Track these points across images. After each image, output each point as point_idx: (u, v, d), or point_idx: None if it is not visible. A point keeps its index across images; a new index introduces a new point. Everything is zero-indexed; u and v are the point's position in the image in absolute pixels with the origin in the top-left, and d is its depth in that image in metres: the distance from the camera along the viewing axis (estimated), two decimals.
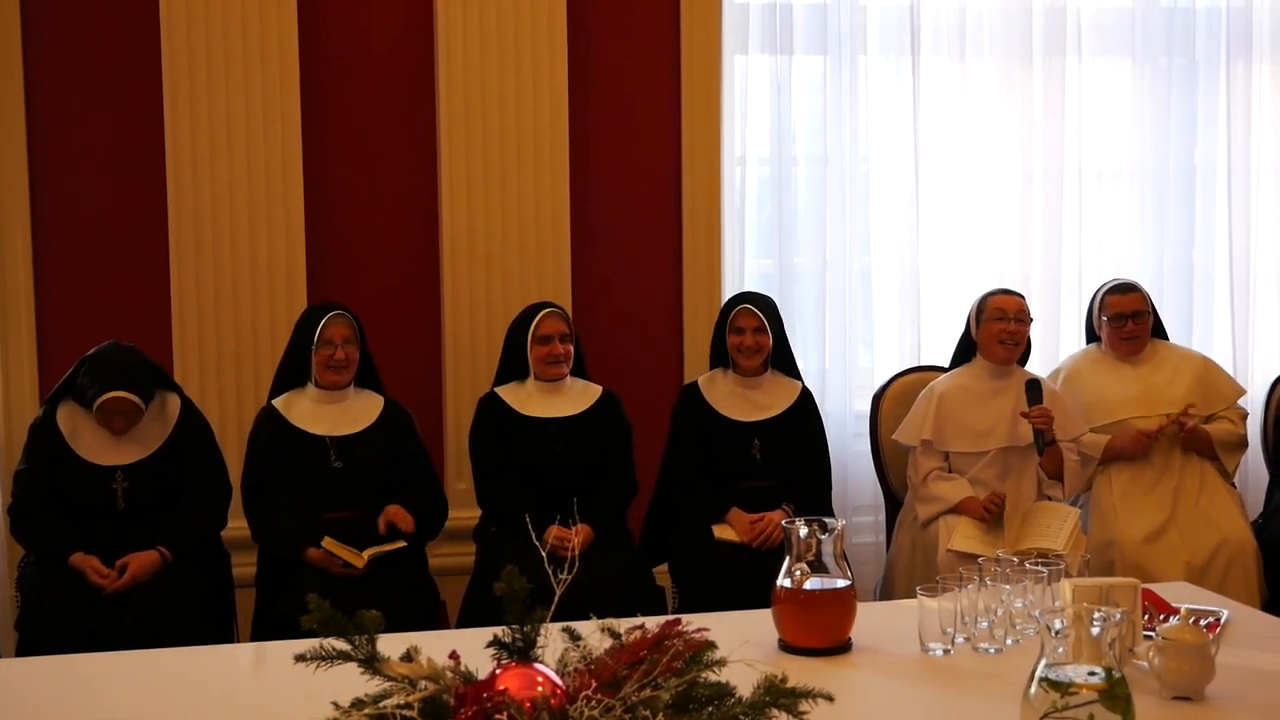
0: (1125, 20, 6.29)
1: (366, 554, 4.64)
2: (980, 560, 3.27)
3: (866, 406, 5.81)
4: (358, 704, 2.05)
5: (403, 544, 4.73)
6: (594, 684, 2.01)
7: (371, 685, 2.07)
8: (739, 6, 5.97)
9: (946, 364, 5.58)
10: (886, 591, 5.39)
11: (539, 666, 2.07)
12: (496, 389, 5.14)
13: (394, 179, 5.78)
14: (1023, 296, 5.40)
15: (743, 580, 4.59)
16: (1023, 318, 5.31)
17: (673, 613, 4.61)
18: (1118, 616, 2.35)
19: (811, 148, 6.10)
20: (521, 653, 2.12)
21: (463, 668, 2.10)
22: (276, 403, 4.92)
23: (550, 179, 5.73)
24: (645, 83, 5.97)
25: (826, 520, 3.15)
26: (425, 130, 5.73)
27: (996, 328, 5.28)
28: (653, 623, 2.17)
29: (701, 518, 5.12)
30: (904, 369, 5.90)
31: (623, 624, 2.21)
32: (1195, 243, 6.42)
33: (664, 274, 6.03)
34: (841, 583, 3.12)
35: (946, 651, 3.09)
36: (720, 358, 5.34)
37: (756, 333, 5.23)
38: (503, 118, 5.67)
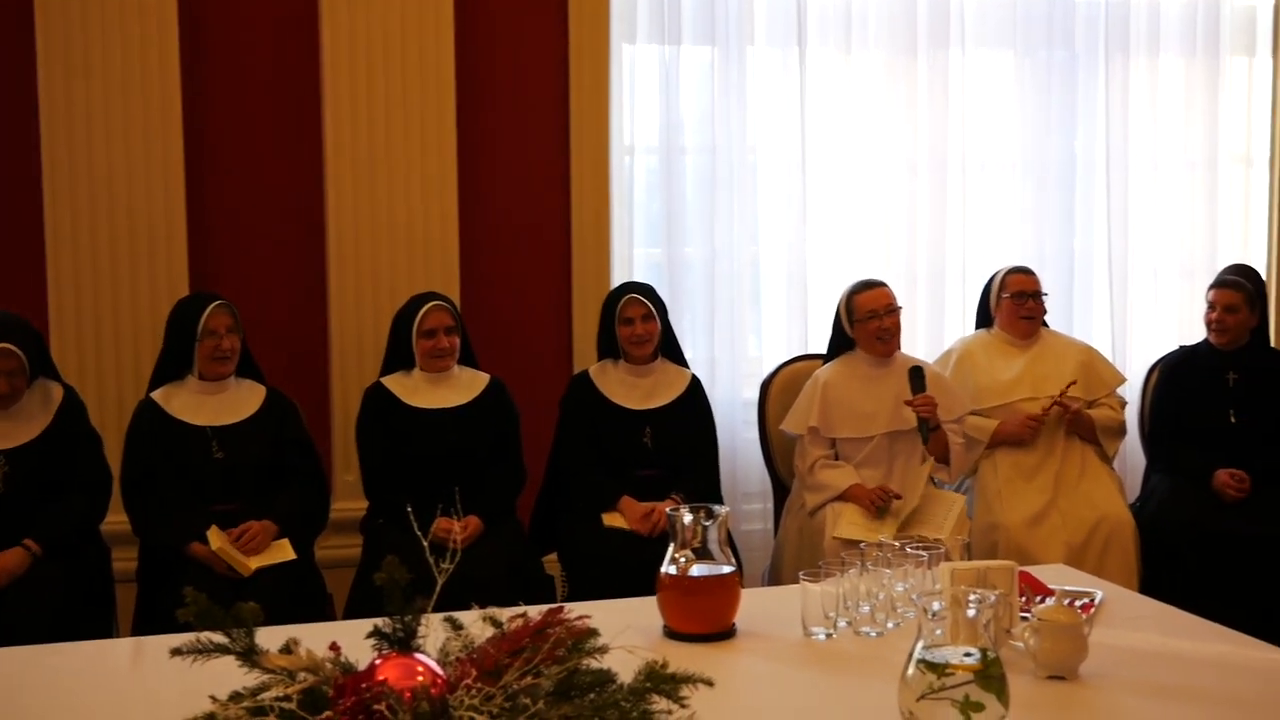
0: (1007, 13, 6.38)
1: (254, 564, 4.61)
2: (862, 545, 3.31)
3: (755, 395, 5.85)
4: (235, 698, 2.03)
5: (292, 557, 4.71)
6: (475, 673, 2.01)
7: (251, 679, 2.05)
8: None
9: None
10: (774, 578, 5.43)
11: (420, 656, 2.06)
12: (382, 379, 5.11)
13: (278, 168, 5.72)
14: (884, 284, 5.46)
15: (632, 568, 4.59)
16: (892, 308, 5.37)
17: (562, 601, 4.62)
18: (992, 599, 2.39)
19: (700, 138, 6.12)
20: (402, 643, 2.12)
21: (343, 659, 2.09)
22: (155, 395, 4.84)
23: (437, 168, 5.71)
24: (533, 72, 5.96)
25: (711, 507, 3.16)
26: (310, 119, 5.68)
27: (871, 326, 5.34)
28: (536, 611, 2.17)
29: (591, 506, 5.13)
30: (791, 357, 5.95)
31: (505, 613, 2.21)
32: (1075, 232, 6.54)
33: (553, 263, 6.03)
34: (725, 569, 3.14)
35: (829, 635, 3.12)
36: (609, 348, 5.34)
37: (645, 320, 5.25)
38: (389, 107, 5.64)
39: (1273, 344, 6.04)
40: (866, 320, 5.34)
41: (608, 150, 5.97)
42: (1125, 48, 6.48)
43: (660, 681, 2.06)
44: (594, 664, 2.09)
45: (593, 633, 2.14)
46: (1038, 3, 6.39)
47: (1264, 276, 6.22)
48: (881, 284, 5.45)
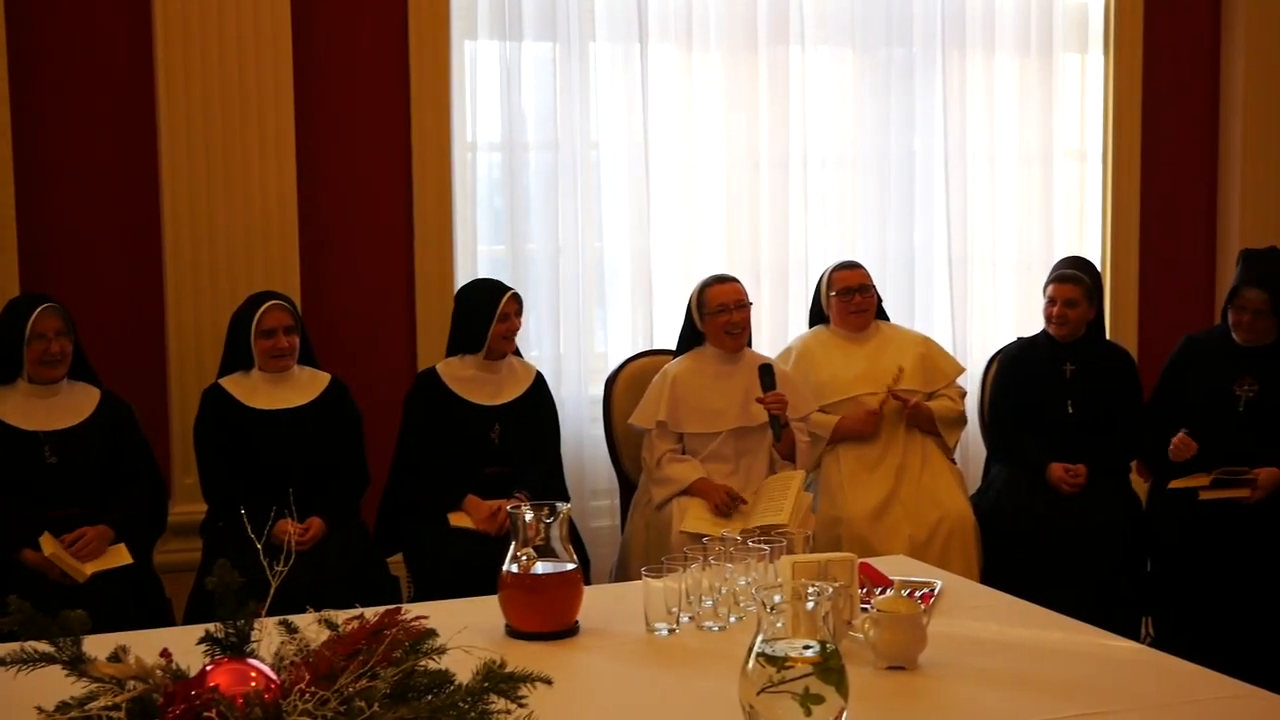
0: (846, 11, 6.45)
1: (89, 569, 4.51)
2: (705, 540, 3.32)
3: (601, 391, 5.85)
4: (62, 708, 1.98)
5: (129, 562, 4.61)
6: (309, 677, 1.98)
7: (79, 688, 1.99)
8: None
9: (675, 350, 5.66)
10: (622, 574, 5.43)
11: (253, 661, 2.02)
12: (221, 380, 5.02)
13: (111, 164, 5.59)
14: (736, 280, 5.49)
15: (479, 568, 4.56)
16: (742, 303, 5.41)
17: (409, 602, 4.58)
18: (831, 591, 2.41)
19: (543, 134, 6.10)
20: (235, 648, 2.08)
21: (174, 666, 2.04)
22: None
23: (275, 165, 5.61)
24: (373, 68, 5.89)
25: (553, 504, 3.15)
26: (144, 114, 5.55)
27: (721, 320, 5.37)
28: (373, 613, 2.14)
29: (436, 506, 5.09)
30: (636, 353, 5.96)
31: (341, 615, 2.18)
32: (915, 227, 6.62)
33: (396, 260, 5.97)
34: (568, 566, 3.12)
35: (672, 631, 3.12)
36: (469, 343, 5.28)
37: (518, 316, 5.24)
38: (225, 103, 5.53)
39: (1108, 336, 6.17)
40: (717, 314, 5.37)
41: (450, 147, 5.93)
42: (962, 45, 6.58)
43: (498, 681, 2.04)
44: (432, 665, 2.07)
45: (430, 633, 2.11)
46: (876, 1, 6.46)
47: (1099, 269, 6.36)
48: (734, 279, 5.48)
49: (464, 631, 2.20)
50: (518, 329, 5.27)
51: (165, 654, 2.06)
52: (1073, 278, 5.70)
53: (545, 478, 5.23)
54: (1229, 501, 5.22)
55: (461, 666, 2.06)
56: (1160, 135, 6.93)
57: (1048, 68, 6.72)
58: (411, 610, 2.16)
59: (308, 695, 1.93)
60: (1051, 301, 5.69)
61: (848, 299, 5.72)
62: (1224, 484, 5.24)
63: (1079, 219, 6.93)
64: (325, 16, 5.80)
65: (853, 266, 5.82)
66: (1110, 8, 6.83)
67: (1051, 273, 5.85)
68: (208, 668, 1.99)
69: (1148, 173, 6.91)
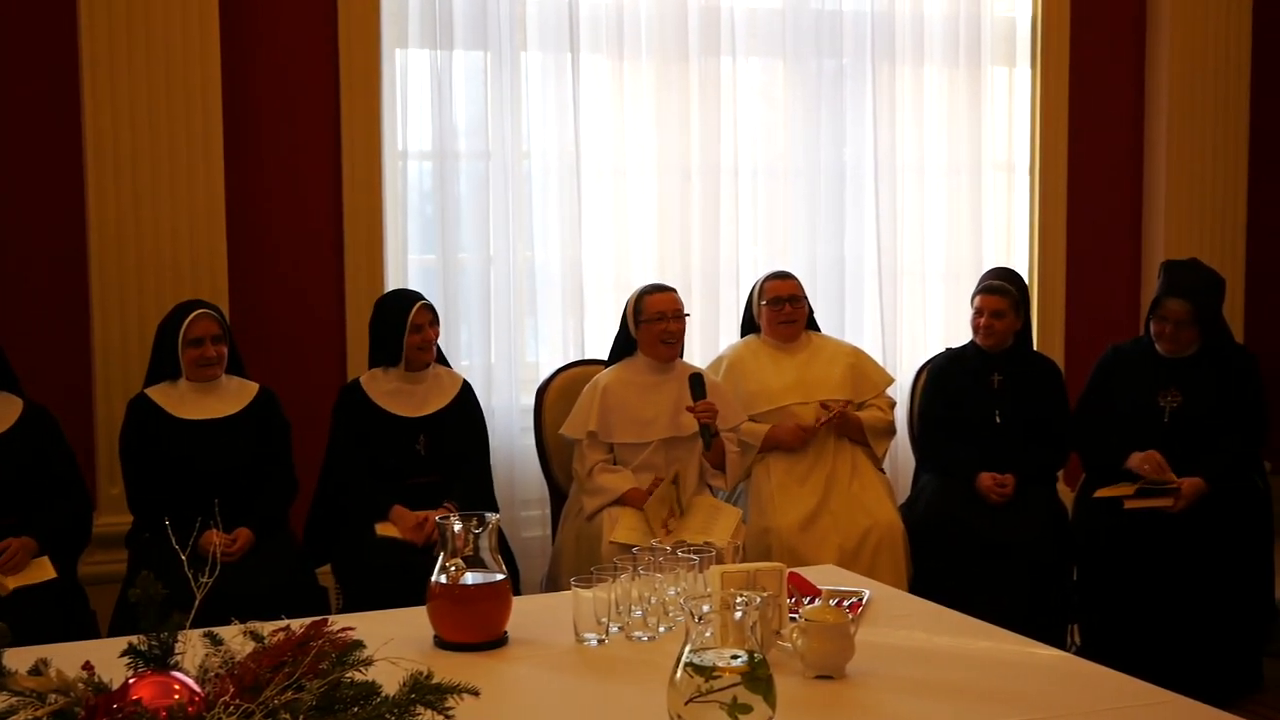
0: (776, 22, 6.48)
1: (12, 584, 4.45)
2: (635, 550, 3.32)
3: (532, 401, 5.83)
4: None
5: (53, 575, 4.55)
6: (233, 689, 1.96)
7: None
8: (398, 0, 5.92)
9: (607, 359, 5.66)
10: (552, 584, 5.42)
11: (176, 674, 2.00)
12: (147, 390, 4.97)
13: (37, 172, 5.53)
14: (675, 291, 5.51)
15: (407, 578, 4.55)
16: (679, 314, 5.42)
17: (337, 613, 4.55)
18: (759, 601, 2.42)
19: (474, 143, 6.09)
20: (158, 660, 2.06)
21: (96, 679, 2.02)
22: None
23: (204, 174, 5.57)
24: (303, 76, 5.86)
25: (482, 514, 3.14)
26: (70, 121, 5.49)
27: (657, 328, 5.38)
28: (299, 624, 2.13)
29: (364, 516, 5.06)
30: (567, 363, 5.96)
31: (267, 627, 2.17)
32: (846, 237, 6.65)
33: (325, 270, 5.94)
34: (497, 577, 3.12)
35: (601, 641, 3.12)
36: (386, 356, 5.26)
37: (432, 326, 5.21)
38: (152, 110, 5.48)
39: (1035, 347, 6.23)
40: (654, 321, 5.37)
41: (380, 156, 5.91)
42: (891, 58, 6.63)
43: (425, 693, 2.04)
44: (358, 677, 2.06)
45: (357, 645, 2.10)
46: (806, 13, 6.49)
47: (1025, 280, 6.42)
48: (672, 289, 5.50)
49: (391, 643, 2.20)
50: (432, 339, 5.24)
51: (88, 667, 2.04)
52: (999, 289, 5.74)
53: (473, 488, 5.21)
54: (1153, 511, 5.27)
55: (389, 678, 2.05)
56: (1086, 147, 7.01)
57: (976, 80, 6.78)
58: (338, 621, 2.15)
59: (232, 708, 1.91)
60: (979, 312, 5.72)
61: (778, 309, 5.75)
62: (1148, 493, 5.29)
63: (1007, 230, 6.99)
64: (254, 24, 5.76)
65: (784, 276, 5.84)
66: (1037, 22, 6.90)
67: (979, 284, 5.88)
68: (130, 681, 1.97)
69: (1074, 184, 6.99)
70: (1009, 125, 6.97)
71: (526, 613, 3.29)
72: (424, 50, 5.97)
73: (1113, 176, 7.14)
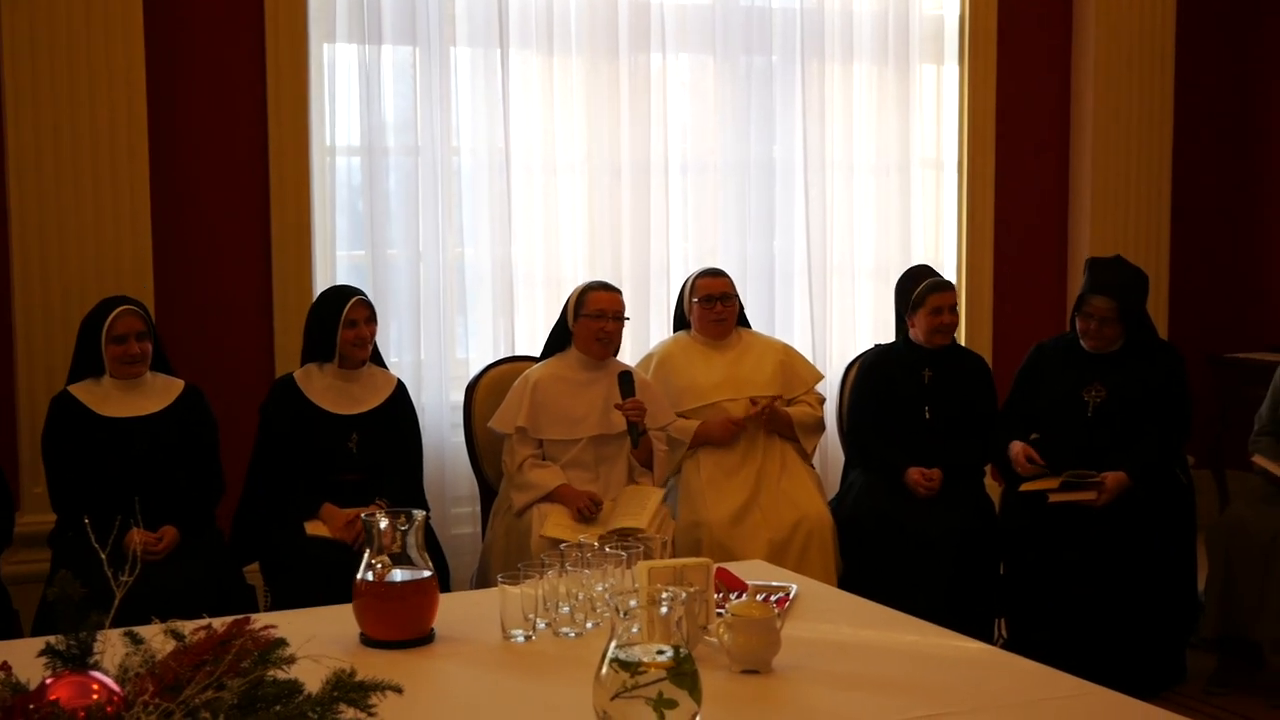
0: (706, 19, 6.49)
1: None
2: (562, 545, 3.31)
3: (462, 397, 5.82)
4: None
5: None
6: (152, 688, 1.94)
7: None
8: None
9: (539, 354, 5.65)
10: (483, 581, 5.40)
11: (95, 674, 1.98)
12: (70, 388, 4.91)
13: None
14: (621, 293, 5.50)
15: (336, 576, 4.52)
16: (619, 315, 5.42)
17: (265, 612, 4.52)
18: (684, 596, 2.42)
19: (403, 138, 6.07)
20: (77, 660, 2.03)
21: (13, 679, 1.99)
22: None
23: (128, 170, 5.51)
24: (229, 71, 5.83)
25: (409, 511, 3.13)
26: None
27: (594, 325, 5.37)
28: (220, 623, 2.11)
29: (292, 514, 5.02)
30: (498, 359, 5.94)
31: (189, 625, 2.15)
32: (775, 234, 6.68)
33: (253, 266, 5.91)
34: (424, 574, 3.10)
35: (528, 638, 3.11)
36: (320, 352, 5.22)
37: (368, 323, 5.18)
38: (74, 105, 5.42)
39: (963, 342, 6.27)
40: (593, 317, 5.36)
41: (308, 151, 5.88)
42: (821, 55, 6.65)
43: (348, 690, 2.02)
44: (281, 675, 2.04)
45: (279, 643, 2.09)
46: (736, 9, 6.51)
47: (954, 277, 6.47)
48: (618, 291, 5.48)
49: (317, 641, 2.18)
50: (368, 336, 5.20)
51: (5, 667, 2.01)
52: (951, 285, 5.80)
53: (404, 486, 5.19)
54: (1077, 504, 5.32)
55: (314, 677, 2.03)
56: (1014, 145, 7.08)
57: (905, 78, 6.82)
58: (260, 620, 2.14)
59: (151, 707, 1.90)
60: (937, 311, 5.71)
61: (709, 307, 5.75)
62: (1072, 487, 5.34)
63: (935, 227, 7.04)
64: (179, 18, 5.72)
65: (716, 274, 5.84)
66: (965, 20, 6.96)
67: (912, 283, 5.84)
68: (48, 681, 1.95)
69: (1002, 182, 7.05)
70: (937, 122, 7.03)
71: (454, 609, 3.28)
72: (352, 45, 5.94)
73: (1039, 174, 7.21)
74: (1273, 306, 7.47)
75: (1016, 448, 5.49)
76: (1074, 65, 7.18)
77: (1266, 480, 5.39)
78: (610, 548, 3.28)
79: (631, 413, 5.24)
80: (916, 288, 5.76)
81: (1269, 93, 7.51)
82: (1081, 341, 5.56)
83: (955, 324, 5.81)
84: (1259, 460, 5.40)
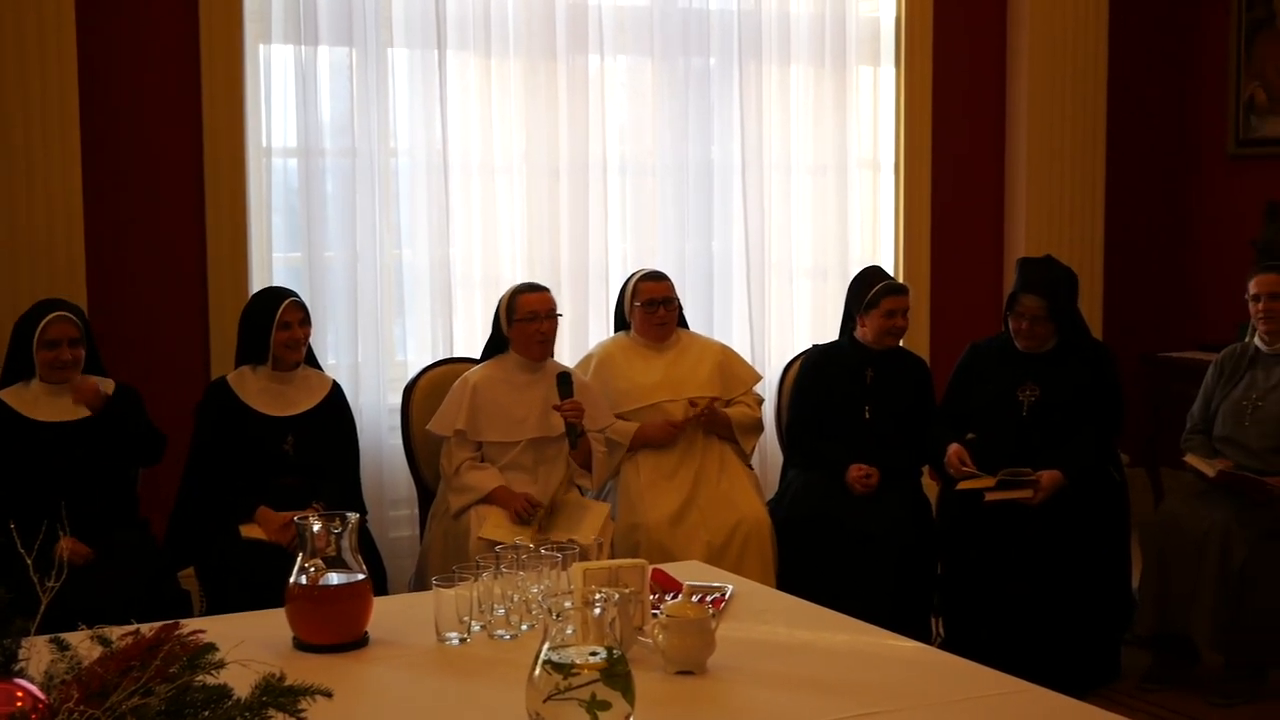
0: (644, 20, 6.50)
1: None
2: (498, 548, 3.31)
3: (400, 400, 5.80)
4: None
5: None
6: (78, 695, 1.92)
7: None
8: None
9: (479, 356, 5.63)
10: (420, 584, 5.38)
11: (20, 681, 1.96)
12: (0, 391, 4.87)
13: None
14: (548, 290, 5.50)
15: (272, 580, 4.48)
16: (552, 314, 5.41)
17: (200, 616, 4.49)
18: (617, 597, 2.42)
19: (340, 140, 6.04)
20: (1, 668, 2.01)
21: None
22: None
23: (61, 171, 5.47)
24: (164, 71, 5.79)
25: (343, 514, 3.11)
26: None
27: (530, 328, 5.36)
28: (148, 628, 2.09)
29: (228, 518, 4.99)
30: (435, 361, 5.93)
31: (116, 631, 2.13)
32: (714, 234, 6.69)
33: (188, 268, 5.87)
34: (357, 577, 3.09)
35: (463, 640, 3.10)
36: (254, 354, 5.19)
37: (302, 325, 5.15)
38: (5, 105, 5.37)
39: (900, 343, 6.30)
40: (527, 321, 5.35)
41: (244, 152, 5.84)
42: (758, 56, 6.67)
43: (277, 695, 2.01)
44: (210, 680, 2.03)
45: (208, 647, 2.07)
46: (673, 11, 6.52)
47: (892, 277, 6.49)
48: (546, 289, 5.47)
49: (249, 645, 2.17)
50: (302, 338, 5.17)
51: None
52: (905, 288, 5.84)
53: (341, 489, 5.16)
54: (1013, 503, 5.35)
55: (245, 682, 2.02)
56: (950, 146, 7.13)
57: (841, 79, 6.85)
58: (190, 625, 2.12)
59: (77, 714, 1.88)
60: (891, 314, 5.72)
61: (651, 311, 5.75)
62: (1008, 485, 5.37)
63: (873, 228, 7.08)
64: (112, 19, 5.67)
65: (658, 278, 5.83)
66: (901, 22, 7.00)
67: (865, 286, 5.83)
68: None
69: (938, 183, 7.10)
70: (874, 124, 7.06)
71: (389, 613, 3.27)
72: (288, 46, 5.91)
73: (975, 175, 7.27)
74: (1205, 306, 7.55)
75: (951, 450, 5.52)
76: (1009, 67, 7.24)
77: (1199, 479, 5.45)
78: (546, 550, 3.27)
79: (570, 414, 5.24)
80: (870, 288, 5.78)
81: (1201, 94, 7.59)
82: (1014, 341, 5.60)
83: (906, 328, 5.83)
84: (1191, 459, 5.46)
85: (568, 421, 5.25)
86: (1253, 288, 5.45)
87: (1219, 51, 7.43)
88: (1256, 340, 5.53)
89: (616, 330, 5.98)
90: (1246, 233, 7.05)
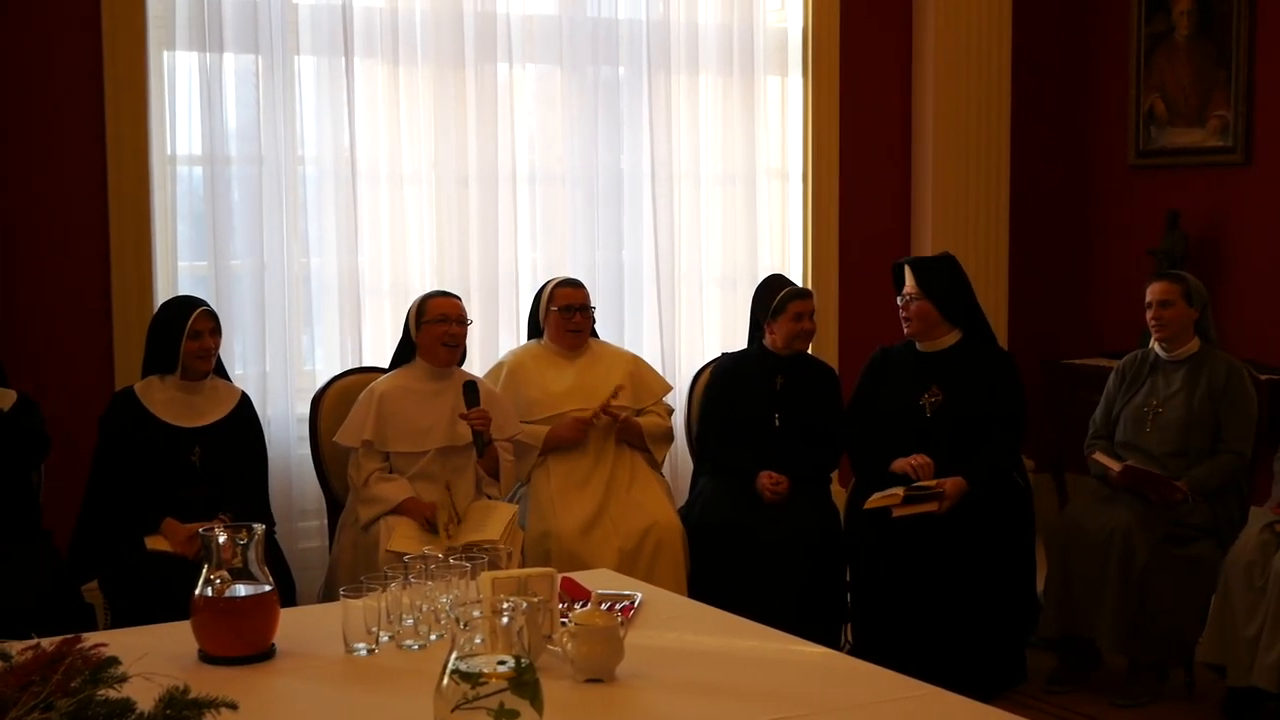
0: (553, 29, 6.50)
1: None
2: (406, 558, 3.30)
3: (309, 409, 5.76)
4: None
5: None
6: None
7: None
8: (164, 1, 5.79)
9: (387, 365, 5.61)
10: (329, 595, 5.34)
11: None
12: None
13: None
14: (459, 298, 5.49)
15: (178, 592, 4.44)
16: (462, 319, 5.40)
17: (105, 629, 4.44)
18: (525, 606, 2.42)
19: (246, 147, 5.99)
20: None
21: None
22: None
23: None
24: (66, 78, 5.71)
25: (249, 525, 3.09)
26: None
27: (439, 330, 5.34)
28: (49, 642, 2.07)
29: (133, 529, 4.93)
30: (344, 370, 5.89)
31: (16, 645, 2.11)
32: (624, 244, 6.70)
33: (92, 277, 5.80)
34: (264, 588, 3.07)
35: (371, 651, 3.09)
36: (162, 364, 5.13)
37: (213, 335, 5.10)
38: None
39: (808, 350, 6.35)
40: (436, 323, 5.33)
41: (148, 161, 5.78)
42: (667, 66, 6.69)
43: (181, 708, 2.01)
44: (113, 694, 2.01)
45: (111, 661, 2.06)
46: (583, 21, 6.52)
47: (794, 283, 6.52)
48: (457, 296, 5.46)
49: (153, 658, 2.16)
50: (212, 348, 5.12)
51: None
52: (811, 293, 5.87)
53: (250, 500, 5.11)
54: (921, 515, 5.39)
55: (149, 695, 2.01)
56: (857, 154, 7.19)
57: (750, 89, 6.89)
58: (92, 638, 2.10)
59: None
60: (798, 317, 5.75)
61: (568, 317, 5.75)
62: (915, 499, 5.41)
63: (782, 236, 7.12)
64: (13, 24, 5.59)
65: (575, 285, 5.83)
66: (808, 32, 7.05)
67: (771, 292, 5.87)
68: None
69: (845, 191, 7.15)
70: (782, 133, 7.11)
71: (297, 624, 3.25)
72: (193, 53, 5.85)
73: (883, 183, 7.33)
74: (1107, 314, 7.66)
75: (908, 461, 5.54)
76: (914, 76, 7.32)
77: (1103, 482, 5.53)
78: (455, 559, 3.27)
79: (477, 422, 5.23)
80: (775, 295, 5.81)
81: (1102, 106, 7.70)
82: (905, 331, 5.67)
83: (814, 331, 5.87)
84: (1098, 456, 5.54)
85: (475, 430, 5.24)
86: (1147, 295, 5.55)
87: (1119, 64, 7.55)
88: (1156, 347, 5.62)
89: (529, 338, 5.97)
90: (1147, 241, 7.16)
